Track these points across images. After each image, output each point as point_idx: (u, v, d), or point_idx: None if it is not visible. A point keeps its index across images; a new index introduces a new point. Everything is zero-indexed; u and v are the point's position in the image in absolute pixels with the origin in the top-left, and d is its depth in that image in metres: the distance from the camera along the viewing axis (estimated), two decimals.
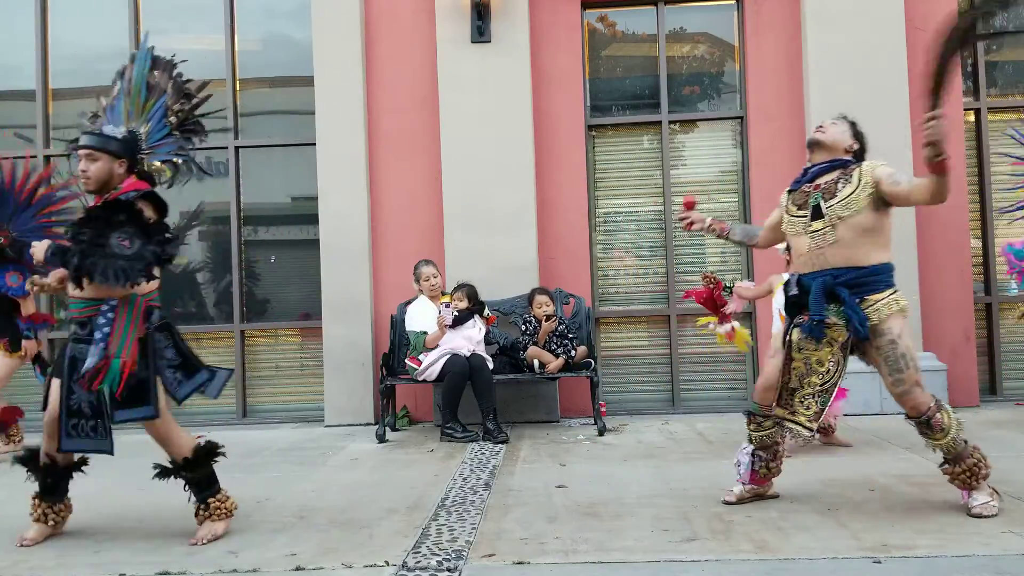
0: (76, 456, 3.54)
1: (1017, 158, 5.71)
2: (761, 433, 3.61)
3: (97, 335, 3.17)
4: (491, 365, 5.69)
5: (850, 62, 6.16)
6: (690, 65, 6.87)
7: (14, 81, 7.06)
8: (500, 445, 5.29)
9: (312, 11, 6.57)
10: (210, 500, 3.42)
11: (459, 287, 5.80)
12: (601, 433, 5.58)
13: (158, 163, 3.55)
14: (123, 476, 4.71)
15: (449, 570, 2.90)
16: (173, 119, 3.55)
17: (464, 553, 3.07)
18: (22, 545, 3.39)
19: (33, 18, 6.93)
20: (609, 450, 5.08)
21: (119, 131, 3.39)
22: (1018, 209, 5.62)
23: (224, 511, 3.43)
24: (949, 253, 6.25)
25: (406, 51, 6.59)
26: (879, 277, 3.39)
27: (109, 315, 3.21)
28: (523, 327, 5.97)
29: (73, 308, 3.35)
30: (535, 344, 5.82)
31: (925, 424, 3.32)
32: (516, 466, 4.66)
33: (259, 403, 6.87)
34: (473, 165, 6.35)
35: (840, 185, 3.39)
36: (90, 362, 3.12)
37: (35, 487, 3.53)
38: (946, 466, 3.37)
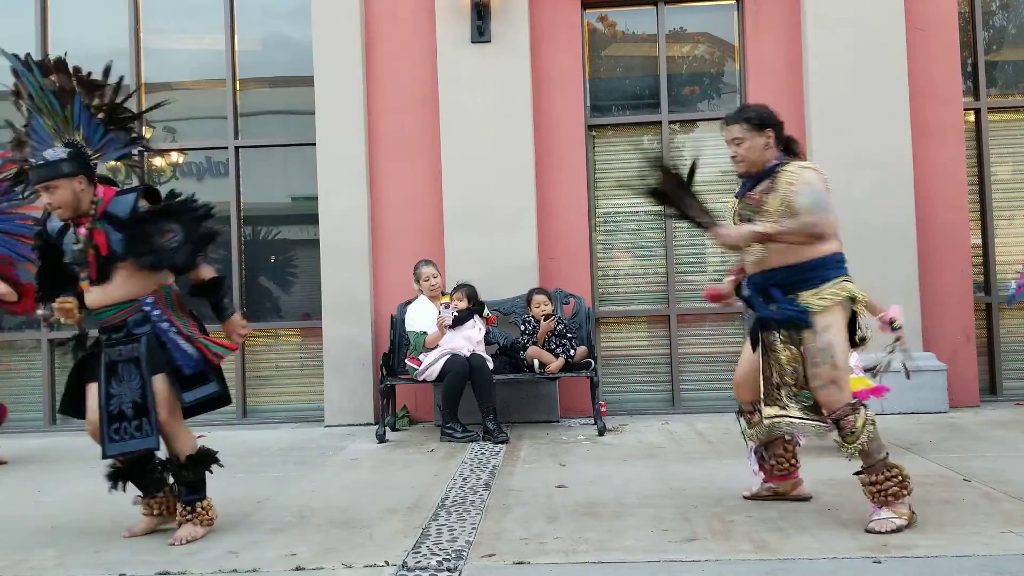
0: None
1: None
2: (752, 430, 3.57)
3: (163, 326, 3.29)
4: (491, 365, 5.69)
5: (850, 62, 6.15)
6: (690, 65, 6.86)
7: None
8: (500, 445, 5.29)
9: (312, 11, 6.57)
10: (196, 504, 3.42)
11: (459, 287, 5.80)
12: (601, 433, 5.58)
13: (113, 162, 3.53)
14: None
15: (449, 570, 2.89)
16: (101, 115, 3.40)
17: (464, 553, 3.07)
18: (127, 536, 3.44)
19: (33, 18, 6.93)
20: (609, 450, 5.07)
21: (59, 151, 3.28)
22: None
23: (207, 519, 3.43)
24: (949, 253, 6.25)
25: (406, 51, 6.59)
26: (814, 273, 3.26)
27: (155, 310, 3.31)
28: (522, 327, 5.97)
29: (104, 316, 3.34)
30: (535, 344, 5.82)
31: (835, 424, 3.23)
32: (516, 466, 4.66)
33: (259, 403, 6.87)
34: (473, 165, 6.34)
35: (769, 196, 3.31)
36: (190, 349, 3.30)
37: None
38: (861, 475, 3.26)
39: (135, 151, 3.56)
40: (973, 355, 6.28)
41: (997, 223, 6.57)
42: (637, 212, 6.73)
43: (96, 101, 3.39)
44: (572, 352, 5.80)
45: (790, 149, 3.44)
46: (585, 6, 6.67)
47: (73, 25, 7.02)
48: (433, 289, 5.90)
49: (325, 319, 6.47)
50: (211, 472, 3.52)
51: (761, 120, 3.38)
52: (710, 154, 6.77)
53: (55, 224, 3.41)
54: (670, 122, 6.68)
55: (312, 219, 6.71)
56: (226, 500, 4.03)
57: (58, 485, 4.55)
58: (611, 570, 2.87)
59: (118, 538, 3.43)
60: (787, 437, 3.58)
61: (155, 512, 3.53)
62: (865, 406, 3.28)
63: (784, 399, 3.30)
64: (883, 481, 3.18)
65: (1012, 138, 6.64)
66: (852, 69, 6.14)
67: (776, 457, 3.61)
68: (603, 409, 5.85)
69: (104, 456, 3.32)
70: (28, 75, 3.36)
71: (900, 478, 3.20)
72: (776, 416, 3.30)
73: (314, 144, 6.57)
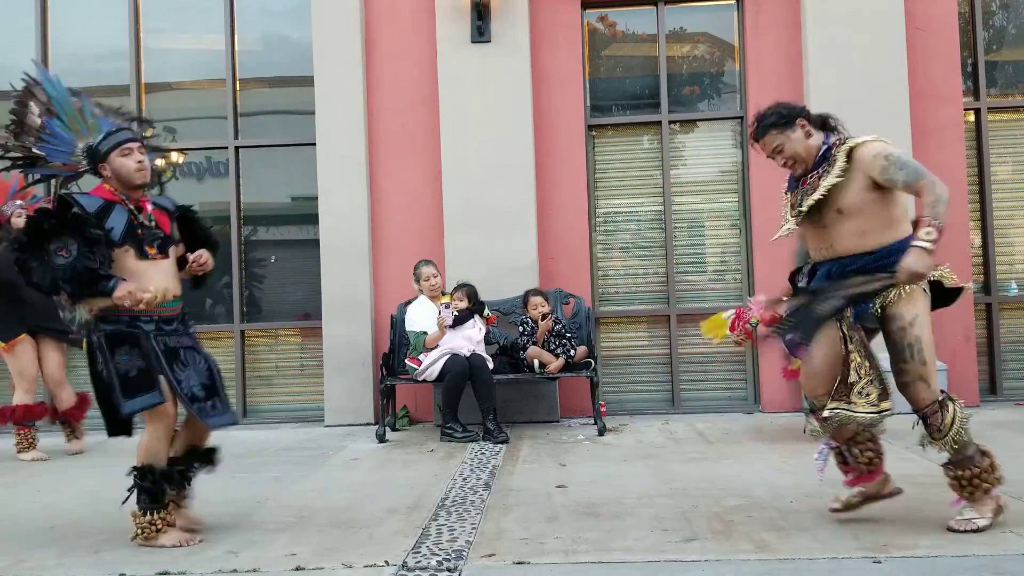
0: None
1: None
2: (822, 425, 3.26)
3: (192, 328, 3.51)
4: (491, 365, 5.69)
5: (850, 62, 6.16)
6: (690, 65, 6.87)
7: (14, 81, 7.04)
8: (500, 445, 5.29)
9: (312, 11, 6.57)
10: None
11: (459, 287, 5.80)
12: (601, 433, 5.58)
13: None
14: (123, 476, 4.72)
15: (449, 570, 2.89)
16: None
17: (464, 553, 3.07)
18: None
19: (33, 18, 6.93)
20: (609, 450, 5.08)
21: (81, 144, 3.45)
22: None
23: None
24: (949, 253, 6.21)
25: (406, 51, 6.59)
26: (892, 259, 3.04)
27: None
28: (520, 328, 5.96)
29: (173, 305, 3.40)
30: (535, 344, 5.82)
31: (923, 421, 3.16)
32: (516, 466, 4.66)
33: (259, 403, 6.87)
34: (473, 165, 6.34)
35: (823, 178, 3.15)
36: None
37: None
38: (948, 467, 3.18)
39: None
40: (973, 355, 6.28)
41: (997, 223, 6.57)
42: (637, 212, 6.74)
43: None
44: (572, 352, 5.80)
45: (827, 126, 3.30)
46: (585, 6, 6.67)
47: (73, 25, 7.02)
48: (433, 289, 5.90)
49: (325, 319, 6.47)
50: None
51: (785, 116, 3.23)
52: (710, 154, 6.81)
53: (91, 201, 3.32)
54: (670, 122, 6.68)
55: (312, 219, 6.71)
56: (226, 500, 4.05)
57: (58, 485, 4.55)
58: (611, 570, 2.87)
59: (118, 538, 3.42)
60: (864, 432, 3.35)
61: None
62: (953, 399, 3.15)
63: (852, 395, 3.12)
64: (970, 476, 3.10)
65: (1012, 138, 6.65)
66: (852, 69, 6.15)
67: (862, 452, 3.34)
68: (603, 409, 5.85)
69: (209, 428, 3.40)
70: (55, 86, 3.54)
71: (991, 470, 3.12)
72: (839, 408, 3.11)
73: (314, 144, 6.58)
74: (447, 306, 5.67)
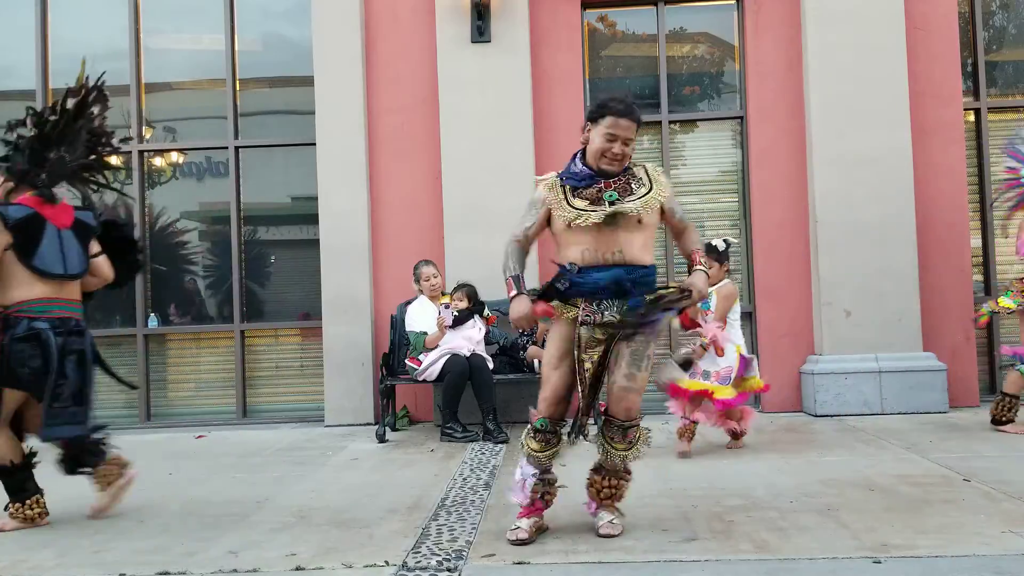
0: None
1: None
2: (547, 452, 3.29)
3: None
4: (491, 365, 5.69)
5: (850, 62, 6.16)
6: (690, 65, 6.87)
7: (14, 81, 7.06)
8: (500, 445, 5.29)
9: (312, 11, 6.57)
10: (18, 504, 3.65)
11: (459, 287, 5.80)
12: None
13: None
14: None
15: (449, 570, 2.89)
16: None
17: (464, 553, 3.07)
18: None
19: (33, 17, 6.93)
20: None
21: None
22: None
23: (21, 516, 3.64)
24: (949, 253, 6.26)
25: (406, 51, 6.59)
26: (651, 278, 3.25)
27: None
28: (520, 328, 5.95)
29: (78, 310, 3.66)
30: (534, 344, 5.82)
31: (623, 430, 3.27)
32: (516, 466, 4.65)
33: (259, 403, 6.87)
34: (473, 165, 6.34)
35: (633, 185, 3.21)
36: None
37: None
38: (594, 474, 3.34)
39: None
40: (973, 355, 6.28)
41: (997, 223, 6.57)
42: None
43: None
44: None
45: None
46: (585, 6, 6.67)
47: (73, 25, 7.02)
48: (433, 289, 5.90)
49: (325, 319, 6.47)
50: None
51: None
52: (710, 154, 6.81)
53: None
54: (670, 122, 6.69)
55: (312, 219, 6.71)
56: (226, 500, 4.05)
57: (58, 485, 4.54)
58: (611, 570, 2.86)
59: (118, 538, 3.43)
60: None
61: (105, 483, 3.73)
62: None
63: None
64: (619, 485, 3.33)
65: None
66: (852, 69, 6.15)
67: (554, 486, 3.44)
68: (603, 409, 5.83)
69: (49, 439, 3.62)
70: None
71: (627, 484, 3.34)
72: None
73: (314, 144, 6.58)
74: (447, 306, 5.67)
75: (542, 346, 5.82)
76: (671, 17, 6.77)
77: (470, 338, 5.68)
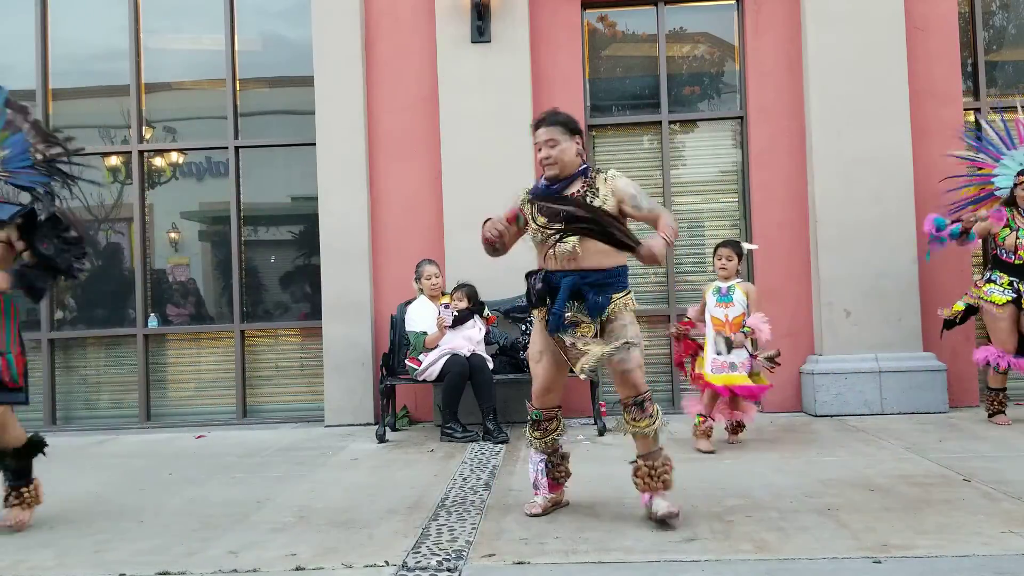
0: None
1: (968, 158, 5.94)
2: (548, 438, 3.64)
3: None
4: (491, 365, 5.69)
5: (850, 62, 6.16)
6: (690, 65, 6.87)
7: (14, 81, 7.04)
8: (500, 445, 5.29)
9: (312, 11, 6.57)
10: (23, 489, 3.64)
11: (459, 287, 5.80)
12: (601, 433, 5.58)
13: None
14: (123, 476, 4.72)
15: (449, 570, 2.90)
16: (39, 156, 3.75)
17: (464, 553, 3.08)
18: None
19: (33, 18, 6.92)
20: (609, 450, 5.07)
21: None
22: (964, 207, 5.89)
23: (32, 499, 3.66)
24: (949, 253, 6.24)
25: (406, 51, 6.59)
26: (619, 279, 3.53)
27: None
28: (523, 327, 5.96)
29: None
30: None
31: (639, 406, 3.37)
32: (516, 466, 4.66)
33: (259, 403, 6.87)
34: (473, 165, 6.34)
35: (589, 196, 3.44)
36: None
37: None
38: (638, 462, 3.42)
39: (40, 189, 3.77)
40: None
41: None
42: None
43: (41, 146, 3.75)
44: None
45: (584, 160, 3.61)
46: (585, 6, 6.67)
47: (73, 25, 7.02)
48: (434, 289, 5.90)
49: (325, 319, 6.47)
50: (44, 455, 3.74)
51: (572, 126, 3.52)
52: (710, 154, 6.81)
53: None
54: (670, 122, 6.69)
55: (312, 219, 6.71)
56: (226, 500, 4.05)
57: (58, 485, 4.54)
58: (611, 570, 2.87)
59: (118, 538, 3.43)
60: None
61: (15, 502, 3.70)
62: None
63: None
64: (661, 464, 3.38)
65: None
66: (852, 69, 6.15)
67: (565, 461, 3.76)
68: (603, 409, 5.85)
69: None
70: None
71: (669, 461, 3.42)
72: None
73: (314, 144, 6.57)
74: (447, 306, 5.67)
75: None
76: (671, 17, 6.77)
77: (470, 338, 5.68)
